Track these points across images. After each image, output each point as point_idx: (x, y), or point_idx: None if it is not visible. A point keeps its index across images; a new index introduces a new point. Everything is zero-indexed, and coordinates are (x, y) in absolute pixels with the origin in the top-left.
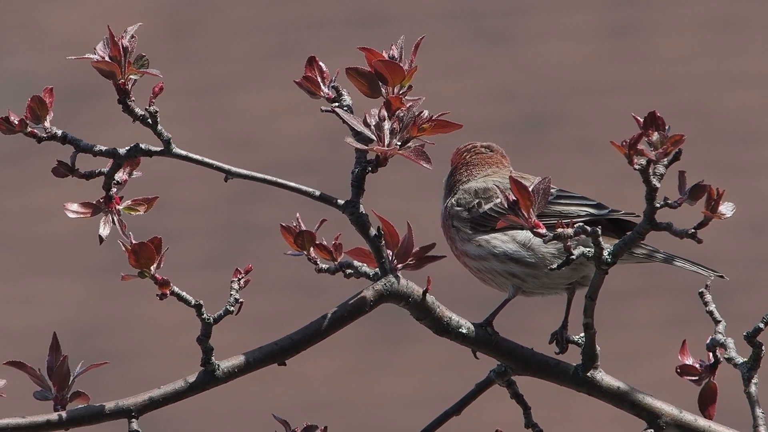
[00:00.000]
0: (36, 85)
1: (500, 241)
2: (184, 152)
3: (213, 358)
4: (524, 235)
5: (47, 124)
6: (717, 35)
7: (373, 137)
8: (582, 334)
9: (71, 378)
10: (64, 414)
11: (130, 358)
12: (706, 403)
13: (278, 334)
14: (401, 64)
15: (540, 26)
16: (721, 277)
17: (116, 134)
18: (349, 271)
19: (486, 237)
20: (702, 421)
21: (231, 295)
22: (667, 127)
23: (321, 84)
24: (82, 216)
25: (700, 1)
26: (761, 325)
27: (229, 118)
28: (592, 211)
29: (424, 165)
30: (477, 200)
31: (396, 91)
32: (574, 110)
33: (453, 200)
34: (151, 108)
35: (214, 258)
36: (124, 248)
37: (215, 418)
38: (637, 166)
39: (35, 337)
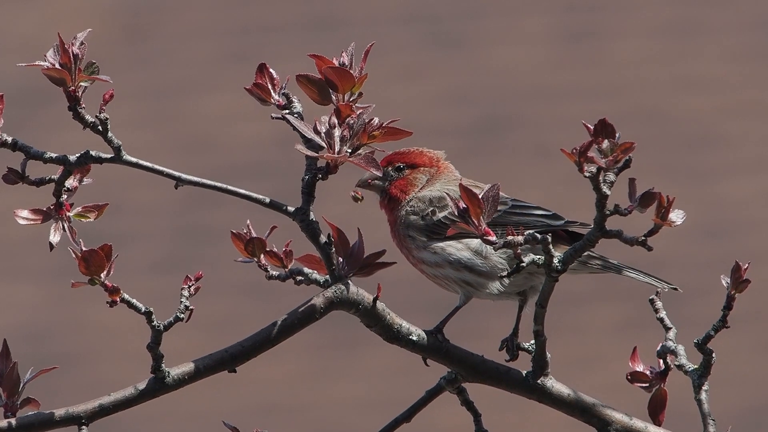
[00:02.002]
0: None
1: (455, 248)
2: (134, 159)
3: (163, 365)
4: (477, 242)
5: None
6: (671, 40)
7: (324, 144)
8: (532, 341)
9: (21, 385)
10: (13, 421)
11: (83, 361)
12: (656, 410)
13: (232, 339)
14: (351, 71)
15: (495, 30)
16: (675, 289)
17: (71, 137)
18: (299, 278)
19: (441, 244)
20: (652, 428)
21: (181, 302)
22: (617, 135)
23: (271, 91)
24: (32, 223)
25: (654, 5)
26: (712, 333)
27: (184, 122)
28: (547, 221)
29: (374, 172)
30: (431, 208)
31: (346, 98)
32: (529, 114)
33: (408, 208)
34: (102, 115)
35: (167, 262)
36: (74, 255)
37: (168, 422)
38: (587, 174)
39: None
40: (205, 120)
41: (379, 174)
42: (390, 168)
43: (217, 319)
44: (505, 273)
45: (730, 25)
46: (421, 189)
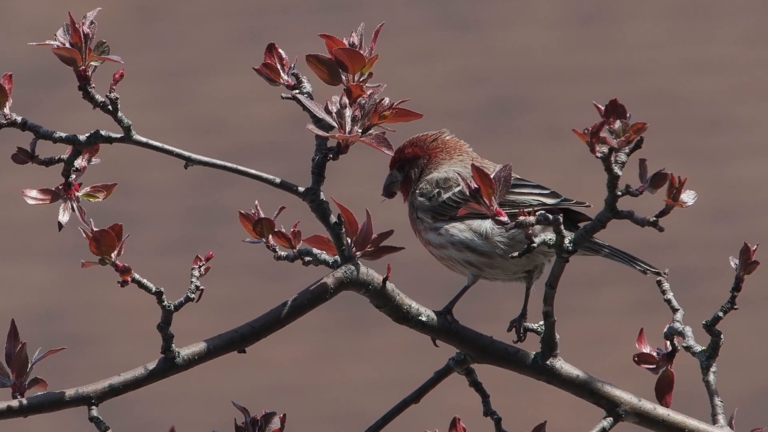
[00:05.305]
0: (3, 69)
1: (457, 230)
2: (144, 139)
3: (173, 345)
4: (478, 223)
5: (7, 110)
6: (684, 22)
7: (335, 124)
8: (541, 323)
9: (29, 365)
10: (24, 401)
11: (95, 342)
12: (663, 391)
13: (243, 319)
14: (361, 52)
15: (507, 12)
16: (657, 273)
17: (82, 118)
18: (308, 258)
19: (445, 226)
20: (661, 410)
21: (191, 282)
22: (628, 115)
23: (281, 71)
24: (41, 202)
25: None
26: (720, 314)
27: (196, 103)
28: (545, 200)
29: (386, 152)
30: (437, 190)
31: (356, 78)
32: (541, 96)
33: (417, 191)
34: (112, 95)
35: (179, 242)
36: (84, 235)
37: (178, 403)
38: (598, 154)
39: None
40: (217, 101)
41: (390, 154)
42: (396, 171)
43: (229, 299)
44: (515, 253)
45: (742, 8)
46: (430, 172)
